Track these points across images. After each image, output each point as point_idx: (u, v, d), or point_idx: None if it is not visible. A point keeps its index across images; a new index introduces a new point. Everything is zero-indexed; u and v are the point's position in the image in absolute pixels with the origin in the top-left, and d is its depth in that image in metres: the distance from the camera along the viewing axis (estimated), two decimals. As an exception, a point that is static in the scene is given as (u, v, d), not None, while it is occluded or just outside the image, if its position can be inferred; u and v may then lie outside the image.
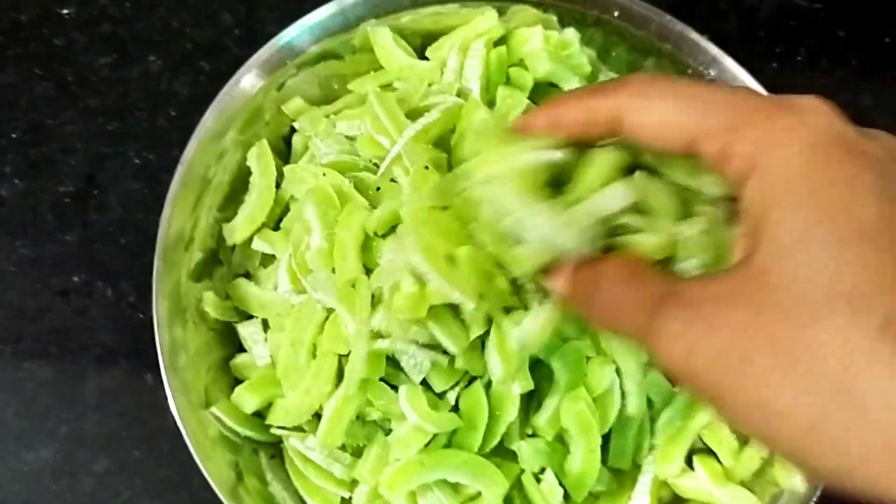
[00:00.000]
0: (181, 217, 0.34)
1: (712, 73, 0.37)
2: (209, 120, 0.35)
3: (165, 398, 0.39)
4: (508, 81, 0.36)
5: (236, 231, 0.36)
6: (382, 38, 0.37)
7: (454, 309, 0.30)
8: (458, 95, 0.35)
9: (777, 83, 0.39)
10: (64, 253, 0.41)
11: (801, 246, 0.19)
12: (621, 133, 0.23)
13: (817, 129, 0.20)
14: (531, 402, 0.33)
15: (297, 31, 0.37)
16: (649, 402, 0.34)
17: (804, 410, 0.18)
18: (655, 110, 0.22)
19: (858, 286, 0.18)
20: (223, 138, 0.36)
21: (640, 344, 0.22)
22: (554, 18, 0.37)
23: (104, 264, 0.41)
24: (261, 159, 0.36)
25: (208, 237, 0.36)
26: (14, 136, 0.43)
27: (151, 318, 0.40)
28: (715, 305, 0.20)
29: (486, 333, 0.30)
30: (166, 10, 0.45)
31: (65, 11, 0.45)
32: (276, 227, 0.36)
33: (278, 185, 0.36)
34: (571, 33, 0.37)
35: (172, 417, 0.39)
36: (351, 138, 0.35)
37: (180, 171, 0.34)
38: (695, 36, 0.37)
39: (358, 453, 0.33)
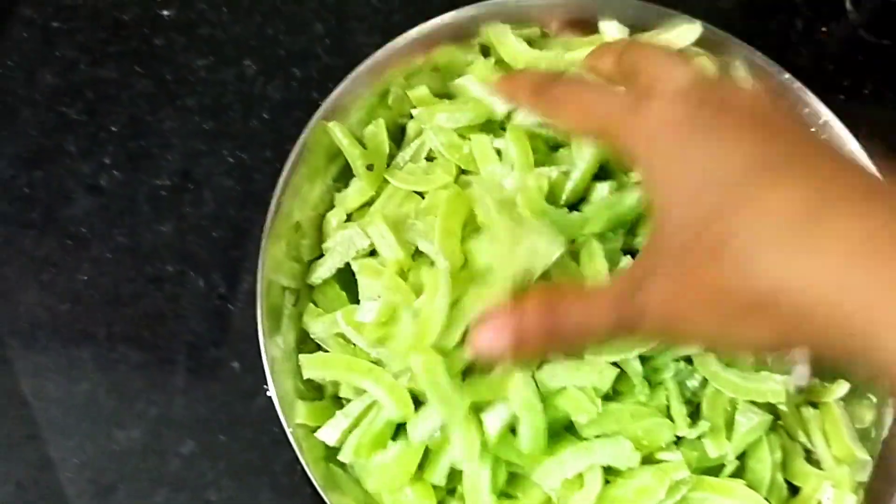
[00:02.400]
0: (296, 180, 0.37)
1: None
2: (336, 94, 0.38)
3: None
4: None
5: (348, 199, 0.39)
6: (502, 34, 0.39)
7: None
8: None
9: (844, 115, 0.41)
10: (159, 243, 0.43)
11: (666, 216, 0.26)
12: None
13: (664, 120, 0.26)
14: None
15: (433, 27, 0.40)
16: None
17: (712, 322, 0.25)
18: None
19: (696, 233, 0.25)
20: (347, 114, 0.39)
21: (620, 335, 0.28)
22: None
23: (197, 255, 0.43)
24: (375, 137, 0.39)
25: (319, 203, 0.39)
26: (114, 129, 0.45)
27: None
28: (651, 281, 0.26)
29: None
30: (262, 16, 0.48)
31: (165, 13, 0.47)
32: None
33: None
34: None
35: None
36: (463, 136, 0.38)
37: (304, 136, 0.37)
38: (811, 97, 0.40)
39: None
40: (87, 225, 0.43)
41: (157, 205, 0.44)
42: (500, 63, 0.41)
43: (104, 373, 0.41)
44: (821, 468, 0.37)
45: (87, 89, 0.46)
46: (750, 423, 0.35)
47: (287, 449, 0.40)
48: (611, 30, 0.40)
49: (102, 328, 0.42)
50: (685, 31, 0.40)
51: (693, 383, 0.35)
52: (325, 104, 0.39)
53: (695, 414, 0.35)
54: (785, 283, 0.23)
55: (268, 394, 0.40)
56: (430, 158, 0.40)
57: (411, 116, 0.41)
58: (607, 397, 0.34)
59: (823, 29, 0.49)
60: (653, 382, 0.34)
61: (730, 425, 0.35)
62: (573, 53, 0.39)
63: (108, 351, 0.42)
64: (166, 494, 0.40)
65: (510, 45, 0.40)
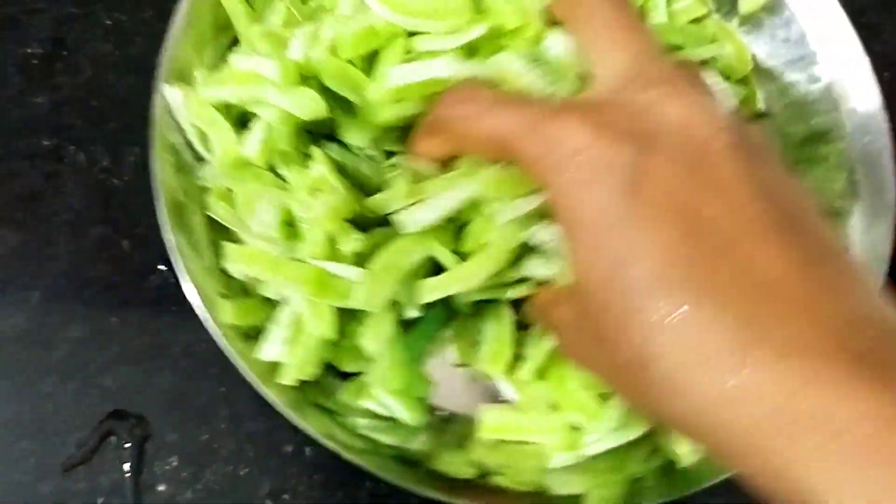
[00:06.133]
0: (184, 50, 0.33)
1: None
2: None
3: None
4: None
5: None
6: None
7: None
8: None
9: None
10: (32, 116, 0.39)
11: (581, 276, 0.24)
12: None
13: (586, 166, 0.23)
14: None
15: None
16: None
17: (616, 379, 0.25)
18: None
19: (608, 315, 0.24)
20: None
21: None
22: None
23: (74, 128, 0.39)
24: None
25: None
26: (-25, -4, 0.41)
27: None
28: (563, 312, 0.27)
29: None
30: None
31: None
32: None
33: None
34: None
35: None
36: None
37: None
38: None
39: None
40: (-49, 101, 0.39)
41: (29, 75, 0.40)
42: None
43: (-21, 259, 0.38)
44: None
45: (-57, -45, 0.41)
46: None
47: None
48: None
49: (-25, 211, 0.38)
50: None
51: None
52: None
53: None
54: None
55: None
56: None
57: None
58: None
59: None
60: None
61: None
62: None
63: (-17, 235, 0.38)
64: (55, 383, 0.37)
65: None
